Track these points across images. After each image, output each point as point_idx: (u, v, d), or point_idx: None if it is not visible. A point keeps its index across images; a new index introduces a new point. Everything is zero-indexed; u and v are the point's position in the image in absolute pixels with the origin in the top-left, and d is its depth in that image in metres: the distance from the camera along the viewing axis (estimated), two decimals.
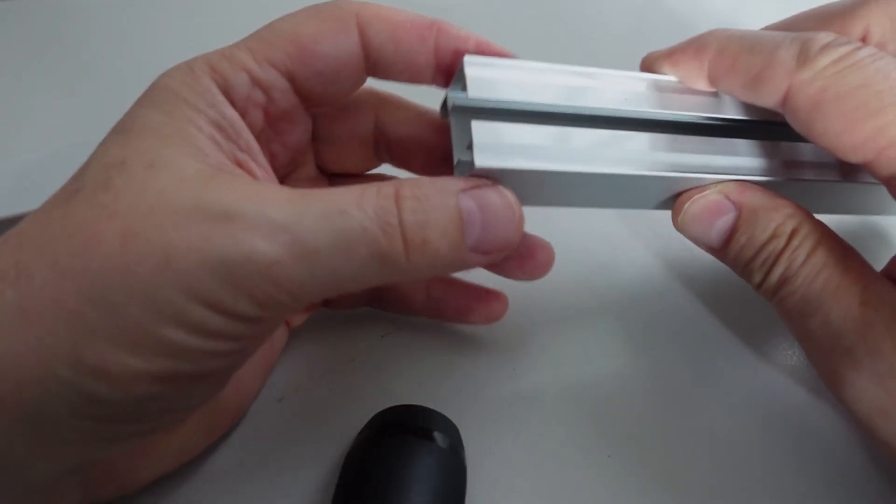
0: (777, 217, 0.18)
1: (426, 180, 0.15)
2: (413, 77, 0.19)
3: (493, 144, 0.16)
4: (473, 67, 0.17)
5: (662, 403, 0.23)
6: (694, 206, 0.19)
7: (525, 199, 0.17)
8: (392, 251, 0.14)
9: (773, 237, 0.18)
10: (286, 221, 0.14)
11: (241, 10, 0.38)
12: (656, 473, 0.21)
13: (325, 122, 0.21)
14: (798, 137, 0.19)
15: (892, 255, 0.20)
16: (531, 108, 0.17)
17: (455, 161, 0.18)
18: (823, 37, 0.17)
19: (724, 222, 0.19)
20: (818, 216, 0.19)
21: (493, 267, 0.22)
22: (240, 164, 0.17)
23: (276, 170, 0.19)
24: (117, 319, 0.13)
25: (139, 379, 0.13)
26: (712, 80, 0.19)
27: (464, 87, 0.17)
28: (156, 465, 0.19)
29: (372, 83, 0.20)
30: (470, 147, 0.16)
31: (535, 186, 0.18)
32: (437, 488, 0.18)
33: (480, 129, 0.16)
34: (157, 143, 0.15)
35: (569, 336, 0.25)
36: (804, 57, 0.17)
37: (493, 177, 0.17)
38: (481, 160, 0.16)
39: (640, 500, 0.21)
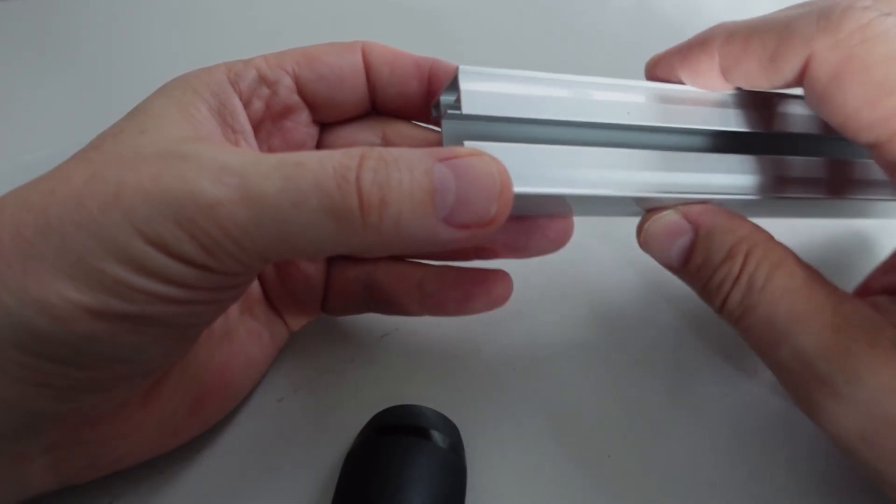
0: (730, 238, 0.18)
1: (404, 148, 0.15)
2: (406, 103, 0.20)
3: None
4: (468, 79, 0.17)
5: (663, 403, 0.23)
6: (653, 225, 0.19)
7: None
8: (345, 207, 0.14)
9: (727, 258, 0.18)
10: (238, 166, 0.14)
11: (235, 11, 0.38)
12: (656, 473, 0.21)
13: (332, 135, 0.22)
14: (796, 149, 0.19)
15: (874, 262, 0.20)
16: (524, 131, 0.17)
17: None
18: (844, 0, 0.16)
19: (682, 242, 0.19)
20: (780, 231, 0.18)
21: (514, 243, 0.21)
22: (230, 143, 0.18)
23: None
24: (63, 250, 0.13)
25: (78, 314, 0.13)
26: (725, 70, 0.18)
27: (457, 100, 0.17)
28: (133, 441, 0.18)
29: None
30: None
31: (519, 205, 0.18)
32: (437, 488, 0.18)
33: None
34: (153, 118, 0.16)
35: (569, 336, 0.25)
36: (825, 21, 0.15)
37: None
38: None
39: (640, 499, 0.21)
